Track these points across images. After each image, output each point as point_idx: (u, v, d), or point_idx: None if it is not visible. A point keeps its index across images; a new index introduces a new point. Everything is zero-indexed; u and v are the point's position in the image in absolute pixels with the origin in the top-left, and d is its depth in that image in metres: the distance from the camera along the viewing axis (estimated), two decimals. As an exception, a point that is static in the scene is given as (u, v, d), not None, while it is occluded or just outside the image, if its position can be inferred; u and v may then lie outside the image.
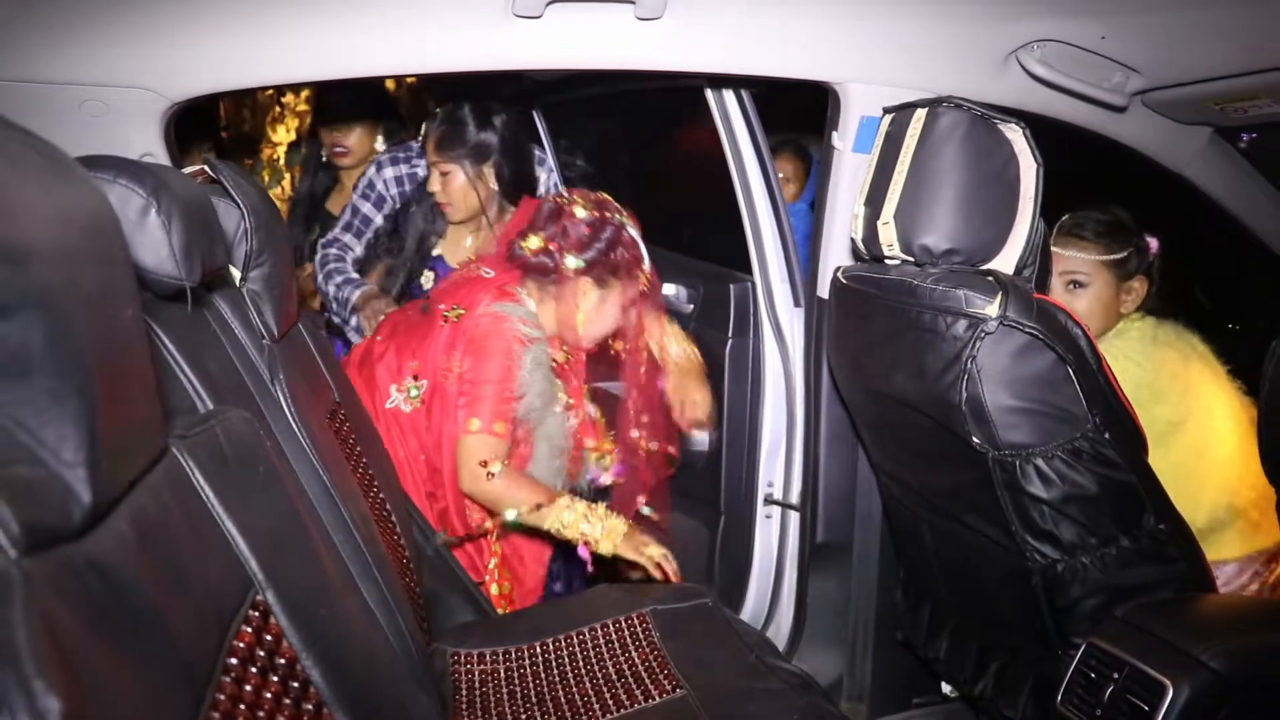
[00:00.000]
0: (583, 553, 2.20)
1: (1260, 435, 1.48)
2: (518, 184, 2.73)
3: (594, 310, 2.32)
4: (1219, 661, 1.56)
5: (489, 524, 2.27)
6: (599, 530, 2.16)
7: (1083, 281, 2.23)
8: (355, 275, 2.83)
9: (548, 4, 1.89)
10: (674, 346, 2.53)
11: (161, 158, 1.94)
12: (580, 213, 2.26)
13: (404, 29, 1.93)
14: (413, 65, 2.07)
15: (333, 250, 2.85)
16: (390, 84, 3.66)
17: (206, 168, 1.73)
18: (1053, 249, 2.24)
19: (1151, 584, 1.76)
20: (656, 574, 2.14)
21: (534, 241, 2.27)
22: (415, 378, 2.27)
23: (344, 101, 3.12)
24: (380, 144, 3.23)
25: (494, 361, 2.18)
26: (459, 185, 2.68)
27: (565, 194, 2.35)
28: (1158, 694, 1.57)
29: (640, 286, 2.38)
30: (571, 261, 2.25)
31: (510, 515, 2.17)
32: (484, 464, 2.15)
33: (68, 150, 0.83)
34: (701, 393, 2.52)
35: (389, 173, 2.88)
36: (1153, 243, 2.23)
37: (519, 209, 2.54)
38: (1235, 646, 1.60)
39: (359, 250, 2.89)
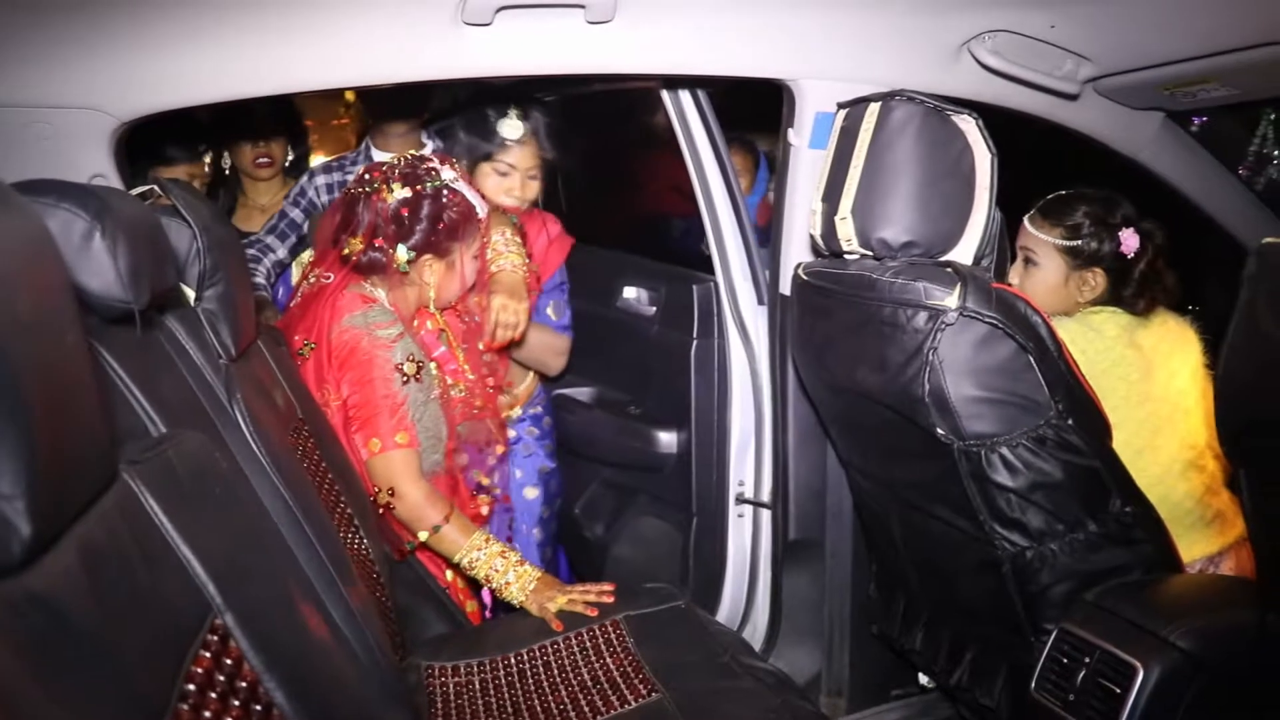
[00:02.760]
0: (485, 595, 2.15)
1: (1217, 409, 1.49)
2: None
3: (445, 280, 2.22)
4: (1187, 641, 1.58)
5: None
6: (509, 576, 2.07)
7: (1034, 260, 2.22)
8: (260, 280, 2.81)
9: (497, 11, 1.88)
10: (501, 258, 2.45)
11: (112, 178, 1.90)
12: (391, 197, 2.13)
13: (353, 41, 1.91)
14: (362, 76, 2.05)
15: (251, 250, 2.83)
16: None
17: (156, 188, 1.71)
18: (1023, 222, 2.25)
19: (1120, 567, 1.78)
20: (558, 626, 2.01)
21: (356, 242, 2.14)
22: None
23: (266, 114, 3.11)
24: (289, 155, 3.24)
25: (373, 378, 2.07)
26: (538, 183, 2.69)
27: (366, 175, 2.19)
28: (1128, 676, 1.58)
29: (482, 235, 2.29)
30: (402, 253, 2.13)
31: (421, 537, 2.10)
32: (385, 489, 2.09)
33: (15, 174, 0.82)
34: (515, 308, 2.40)
35: (320, 180, 2.87)
36: (1130, 241, 2.16)
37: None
38: (1203, 626, 1.62)
39: (281, 253, 2.87)
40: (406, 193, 2.13)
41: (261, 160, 3.10)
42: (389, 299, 2.18)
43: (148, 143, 2.59)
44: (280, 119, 3.17)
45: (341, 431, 2.12)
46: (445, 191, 2.16)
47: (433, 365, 2.22)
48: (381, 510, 2.11)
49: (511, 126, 2.58)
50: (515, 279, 2.44)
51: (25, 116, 1.83)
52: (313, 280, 2.25)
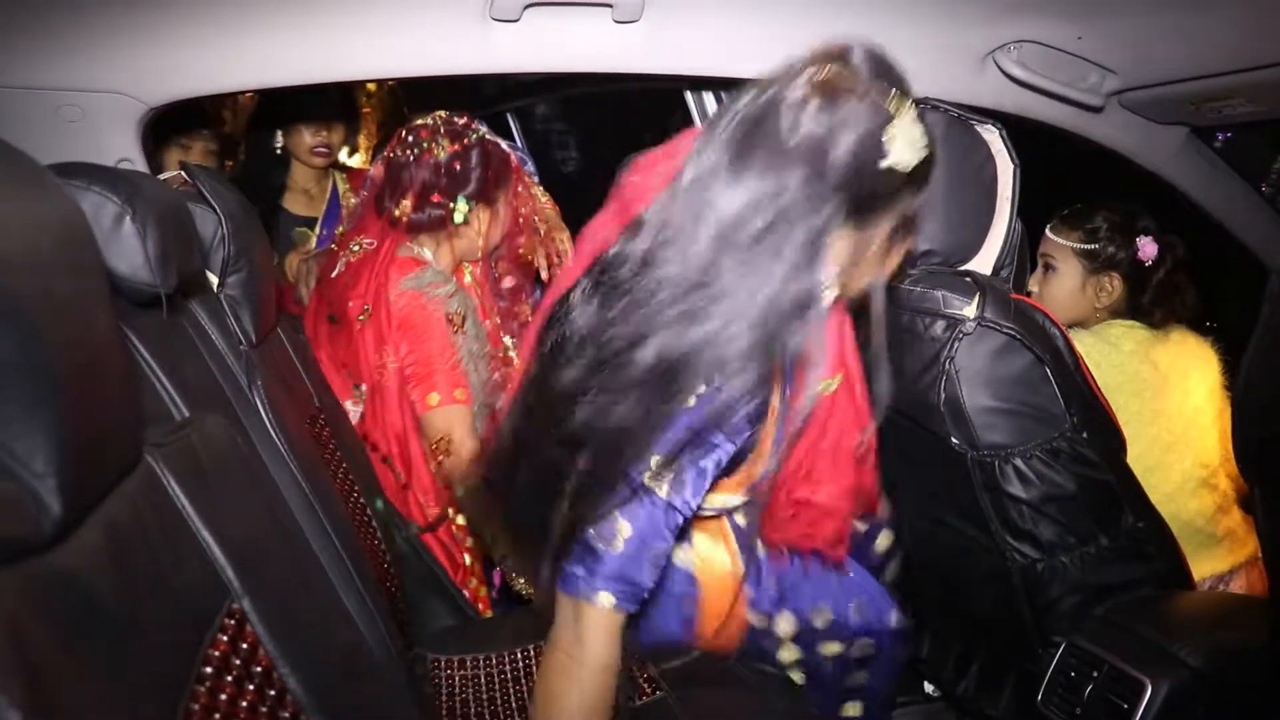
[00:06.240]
0: (496, 576, 2.16)
1: (1235, 430, 1.48)
2: None
3: (491, 227, 2.28)
4: (1196, 659, 1.57)
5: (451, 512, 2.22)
6: None
7: (1053, 265, 2.25)
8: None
9: (525, 7, 1.89)
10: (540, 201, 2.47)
11: (139, 162, 1.92)
12: (441, 153, 2.20)
13: (381, 32, 1.93)
14: (390, 68, 2.06)
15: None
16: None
17: (184, 173, 1.72)
18: (1045, 230, 2.28)
19: (1130, 582, 1.77)
20: None
21: (406, 204, 2.19)
22: (356, 386, 2.22)
23: (329, 100, 3.07)
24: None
25: (431, 336, 2.13)
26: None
27: (410, 138, 2.23)
28: (1136, 692, 1.58)
29: (521, 178, 2.33)
30: (462, 205, 2.19)
31: (460, 492, 2.11)
32: (443, 441, 2.12)
33: (44, 155, 0.83)
34: (561, 237, 2.43)
35: None
36: (1148, 247, 2.19)
37: None
38: (1212, 644, 1.61)
39: None
40: (455, 146, 2.19)
41: (320, 149, 3.05)
42: (435, 257, 2.23)
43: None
44: (342, 108, 3.12)
45: (397, 392, 2.16)
46: (487, 140, 2.23)
47: (484, 323, 2.25)
48: (438, 462, 2.14)
49: None
50: (552, 212, 2.48)
51: (55, 99, 1.85)
52: (356, 249, 2.28)
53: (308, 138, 3.04)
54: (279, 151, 3.13)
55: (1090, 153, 2.40)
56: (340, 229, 2.80)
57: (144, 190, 1.26)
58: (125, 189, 1.23)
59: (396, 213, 2.20)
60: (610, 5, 1.92)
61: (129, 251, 1.23)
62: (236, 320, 1.65)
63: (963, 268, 1.78)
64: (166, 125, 2.57)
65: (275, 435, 1.56)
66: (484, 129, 2.26)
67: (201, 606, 0.99)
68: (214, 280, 1.67)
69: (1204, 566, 2.08)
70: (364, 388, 2.20)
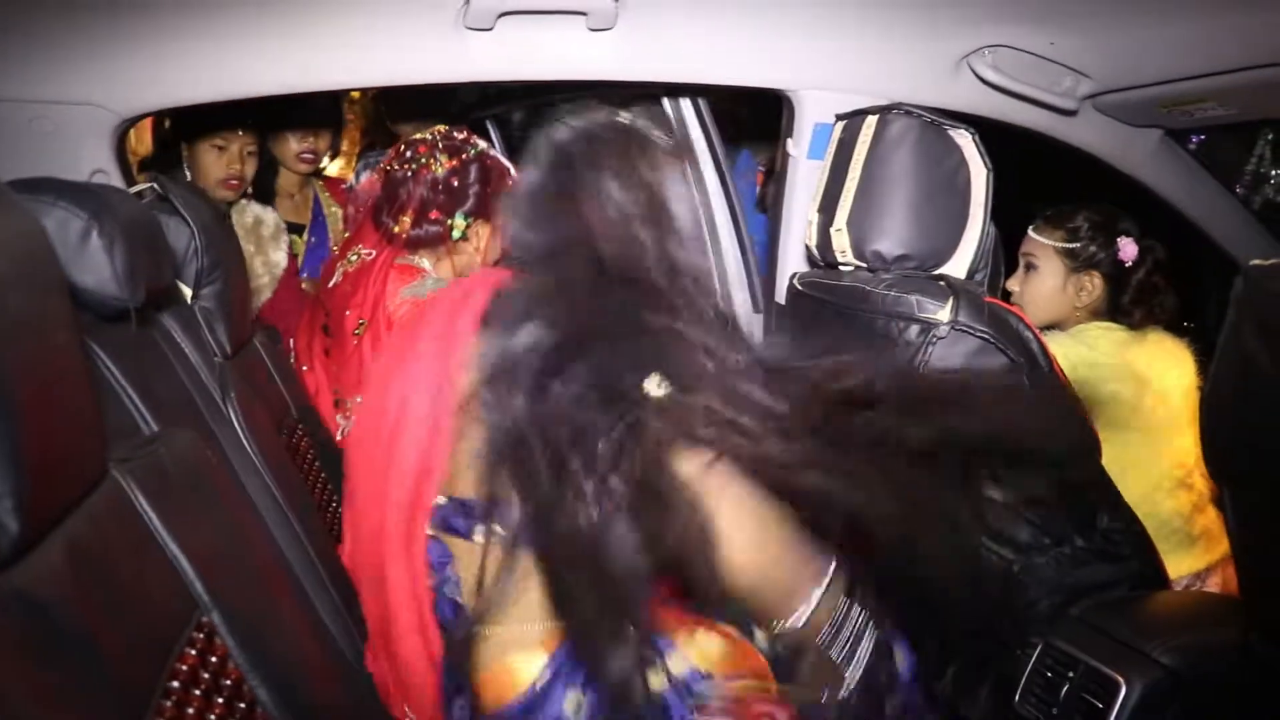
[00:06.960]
0: None
1: (1203, 430, 1.49)
2: None
3: (490, 243, 2.25)
4: (1170, 658, 1.58)
5: None
6: None
7: (1034, 264, 2.27)
8: None
9: (499, 16, 1.89)
10: None
11: (113, 175, 1.91)
12: (439, 169, 2.18)
13: (355, 42, 1.92)
14: (364, 78, 2.07)
15: None
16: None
17: (155, 186, 1.72)
18: (1028, 231, 2.31)
19: (1106, 583, 1.77)
20: None
21: (405, 220, 2.17)
22: (340, 401, 2.20)
23: (316, 107, 3.06)
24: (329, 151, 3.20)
25: None
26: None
27: (408, 153, 2.21)
28: (1111, 691, 1.58)
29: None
30: (460, 221, 2.17)
31: None
32: None
33: (18, 168, 0.83)
34: None
35: (365, 177, 2.89)
36: (1128, 248, 2.21)
37: None
38: (1186, 643, 1.62)
39: None
40: (454, 162, 2.17)
41: (307, 155, 3.02)
42: (433, 271, 2.21)
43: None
44: (330, 115, 3.10)
45: None
46: (486, 156, 2.22)
47: None
48: None
49: None
50: None
51: (29, 111, 1.84)
52: (354, 259, 2.25)
53: (294, 144, 3.02)
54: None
55: (1067, 157, 2.41)
56: (345, 234, 2.79)
57: (111, 204, 1.26)
58: (92, 203, 1.23)
59: (395, 228, 2.18)
60: (584, 13, 1.92)
61: (96, 266, 1.23)
62: (211, 332, 1.65)
63: (937, 272, 1.78)
64: (200, 125, 2.57)
65: (249, 447, 1.56)
66: (482, 144, 2.24)
67: (169, 621, 0.99)
68: (188, 293, 1.67)
69: (1180, 565, 2.09)
70: (359, 400, 2.18)
